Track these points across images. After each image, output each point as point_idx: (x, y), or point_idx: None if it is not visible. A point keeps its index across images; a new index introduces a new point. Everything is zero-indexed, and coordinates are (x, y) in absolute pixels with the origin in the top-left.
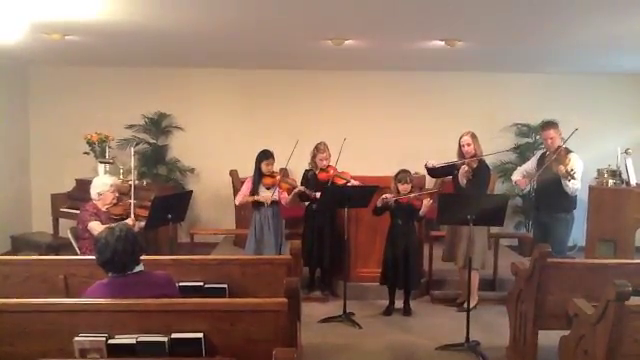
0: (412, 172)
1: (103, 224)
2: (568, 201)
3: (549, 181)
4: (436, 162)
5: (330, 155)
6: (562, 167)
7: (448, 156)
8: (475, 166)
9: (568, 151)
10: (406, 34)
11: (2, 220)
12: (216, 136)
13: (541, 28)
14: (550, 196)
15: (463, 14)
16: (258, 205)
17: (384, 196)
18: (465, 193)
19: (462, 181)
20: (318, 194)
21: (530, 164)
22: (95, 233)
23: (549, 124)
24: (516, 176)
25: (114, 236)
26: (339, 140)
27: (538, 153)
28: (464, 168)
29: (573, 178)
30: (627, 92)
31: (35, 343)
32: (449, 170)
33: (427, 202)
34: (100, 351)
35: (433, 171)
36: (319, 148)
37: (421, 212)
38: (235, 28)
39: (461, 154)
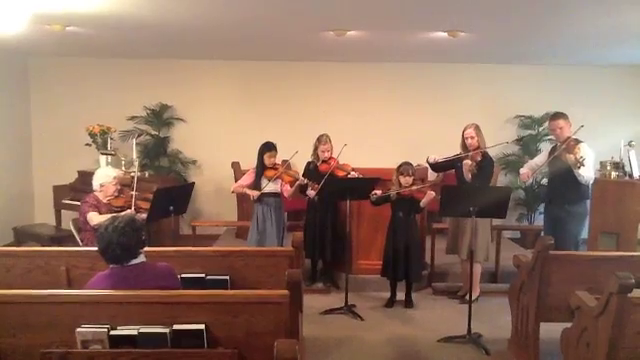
0: (414, 164)
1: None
2: (580, 192)
3: (560, 173)
4: (438, 157)
5: (332, 147)
6: (571, 155)
7: (450, 148)
8: (479, 159)
9: (578, 141)
10: (408, 25)
11: (4, 212)
12: (218, 128)
13: (543, 19)
14: (561, 188)
15: (465, 5)
16: (260, 197)
17: (373, 192)
18: (469, 186)
19: (467, 176)
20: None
21: (541, 157)
22: (93, 224)
23: (558, 114)
24: (524, 169)
25: (112, 227)
26: (340, 132)
27: (549, 147)
28: (467, 163)
29: (582, 165)
30: (630, 84)
31: (37, 334)
32: (451, 164)
33: (430, 194)
34: (102, 342)
35: (435, 165)
36: (321, 140)
37: (422, 203)
38: (237, 20)
39: (464, 146)
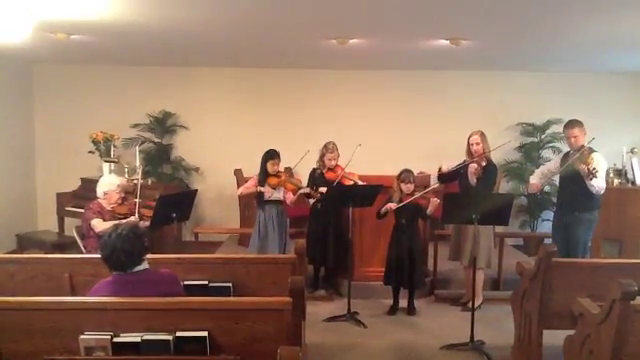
0: (416, 171)
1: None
2: (591, 200)
3: (572, 180)
4: (448, 166)
5: (339, 155)
6: (584, 166)
7: (452, 155)
8: (485, 164)
9: (592, 151)
10: (411, 33)
11: (8, 219)
12: (221, 135)
13: (545, 27)
14: (573, 195)
15: (467, 13)
16: (262, 204)
17: (388, 206)
18: (474, 192)
19: (472, 180)
20: (323, 189)
21: (552, 164)
22: (97, 230)
23: (574, 122)
24: (534, 178)
25: (115, 234)
26: (342, 139)
27: (561, 153)
28: (473, 166)
29: (595, 177)
30: (632, 91)
31: (40, 341)
32: (457, 172)
33: (434, 201)
34: (105, 349)
35: (443, 176)
36: (328, 147)
37: (428, 211)
38: (240, 27)
39: (470, 153)
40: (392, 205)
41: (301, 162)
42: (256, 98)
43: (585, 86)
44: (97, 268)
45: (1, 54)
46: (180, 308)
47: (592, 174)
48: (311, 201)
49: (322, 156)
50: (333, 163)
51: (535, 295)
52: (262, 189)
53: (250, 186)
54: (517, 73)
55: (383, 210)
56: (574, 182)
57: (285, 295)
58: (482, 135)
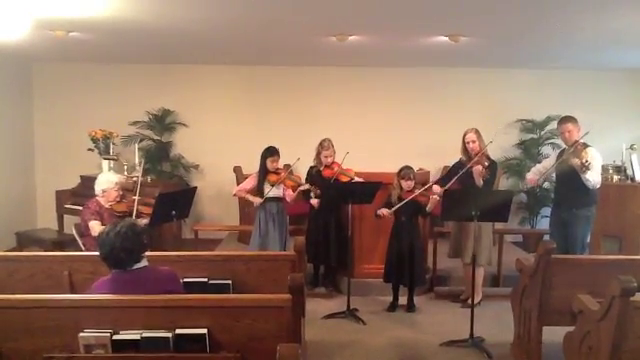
0: (416, 168)
1: (105, 222)
2: (588, 196)
3: (568, 176)
4: (440, 188)
5: (335, 152)
6: (577, 160)
7: (451, 153)
8: (487, 164)
9: (586, 145)
10: (410, 30)
11: (7, 216)
12: (220, 132)
13: (544, 23)
14: (570, 191)
15: (467, 9)
16: (262, 202)
17: (381, 212)
18: (473, 189)
19: (479, 182)
20: (314, 201)
21: (549, 161)
22: (94, 233)
23: (567, 118)
24: (530, 174)
25: (114, 232)
26: (341, 136)
27: (557, 150)
28: (478, 169)
29: (588, 169)
30: (632, 88)
31: (40, 339)
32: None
33: (434, 198)
34: (105, 347)
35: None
36: (323, 145)
37: (428, 208)
38: (239, 25)
39: (465, 151)
40: (384, 212)
41: (298, 151)
42: (255, 95)
43: (584, 83)
44: (96, 266)
45: (0, 52)
46: (180, 305)
47: (585, 166)
48: (313, 202)
49: (318, 154)
50: (329, 160)
51: (535, 292)
52: (252, 199)
53: (244, 189)
54: (516, 70)
55: (378, 212)
56: (570, 178)
57: (285, 292)
58: (477, 132)
